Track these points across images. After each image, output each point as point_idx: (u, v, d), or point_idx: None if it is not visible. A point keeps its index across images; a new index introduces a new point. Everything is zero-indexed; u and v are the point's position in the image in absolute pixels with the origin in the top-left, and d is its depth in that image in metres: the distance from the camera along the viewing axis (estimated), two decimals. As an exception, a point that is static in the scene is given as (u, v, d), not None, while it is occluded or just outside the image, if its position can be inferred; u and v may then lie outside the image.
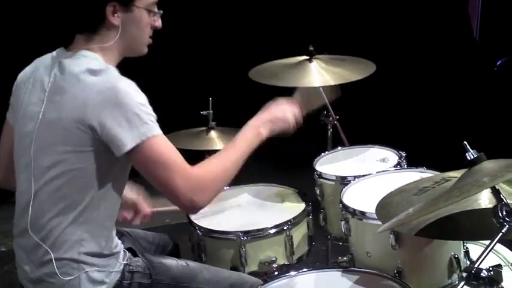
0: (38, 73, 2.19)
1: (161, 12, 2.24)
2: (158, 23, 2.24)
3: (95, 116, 2.01)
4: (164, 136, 2.09)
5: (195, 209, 2.16)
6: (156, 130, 2.05)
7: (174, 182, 2.06)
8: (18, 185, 2.20)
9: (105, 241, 2.16)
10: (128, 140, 2.00)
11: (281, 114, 2.38)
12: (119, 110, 2.00)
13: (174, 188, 2.07)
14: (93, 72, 2.06)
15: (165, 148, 2.07)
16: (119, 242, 2.25)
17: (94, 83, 2.04)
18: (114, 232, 2.21)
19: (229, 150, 2.27)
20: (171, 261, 2.33)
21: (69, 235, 2.10)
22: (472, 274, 1.56)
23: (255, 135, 2.30)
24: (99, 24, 2.13)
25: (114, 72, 2.09)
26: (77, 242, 2.10)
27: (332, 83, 3.14)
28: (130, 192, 2.52)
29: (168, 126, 3.35)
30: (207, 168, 2.18)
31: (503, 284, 1.64)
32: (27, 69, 2.27)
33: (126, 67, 2.22)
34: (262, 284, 2.22)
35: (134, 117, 2.01)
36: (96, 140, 2.03)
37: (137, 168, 2.09)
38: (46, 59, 2.22)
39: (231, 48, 5.23)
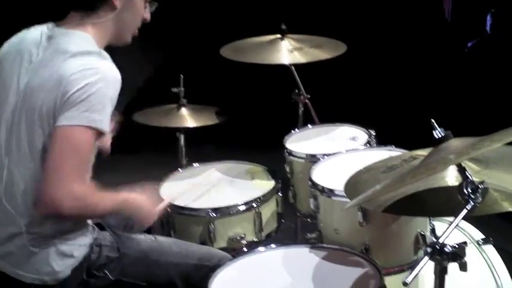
0: (24, 44, 2.16)
1: (157, 4, 2.24)
2: (147, 15, 2.25)
3: (66, 90, 2.00)
4: (96, 140, 2.08)
5: (49, 209, 2.04)
6: (106, 126, 2.05)
7: (67, 179, 2.00)
8: None
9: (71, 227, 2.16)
10: (76, 118, 2.00)
11: (146, 210, 2.30)
12: (89, 91, 2.00)
13: (56, 180, 2.00)
14: (84, 53, 2.06)
15: (89, 146, 2.05)
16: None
17: (79, 61, 2.03)
18: None
19: (110, 199, 2.17)
20: (139, 236, 2.34)
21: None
22: (437, 249, 1.59)
23: (126, 206, 2.23)
24: (99, 3, 2.12)
25: (104, 60, 2.09)
26: (46, 218, 2.09)
27: (303, 61, 3.14)
28: None
29: (139, 103, 3.36)
30: (93, 197, 2.09)
31: (467, 260, 1.67)
32: (13, 40, 2.23)
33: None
34: (231, 259, 2.23)
35: (98, 106, 2.01)
36: (55, 113, 2.03)
37: (52, 142, 2.03)
38: (35, 31, 2.18)
39: (203, 25, 5.20)
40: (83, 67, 2.03)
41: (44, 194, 2.02)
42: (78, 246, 2.17)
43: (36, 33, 2.17)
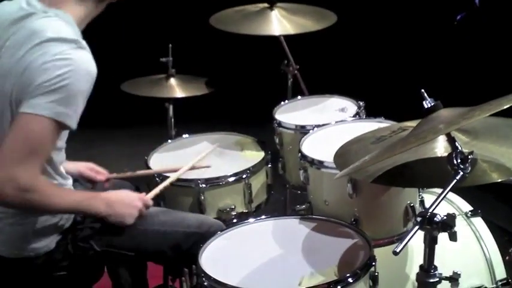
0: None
1: None
2: None
3: (36, 78, 1.94)
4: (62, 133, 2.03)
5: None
6: (73, 122, 1.98)
7: (10, 164, 1.94)
8: None
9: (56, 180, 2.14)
10: (43, 108, 1.93)
11: (127, 202, 2.24)
12: (59, 83, 1.93)
13: (3, 167, 1.94)
14: (59, 40, 1.97)
15: (50, 139, 1.98)
16: (68, 178, 2.23)
17: (53, 49, 1.95)
18: (63, 171, 2.19)
19: (73, 197, 2.13)
20: None
21: None
22: (426, 219, 1.59)
23: (95, 205, 2.14)
24: None
25: (80, 50, 1.99)
26: None
27: (292, 32, 3.12)
28: (80, 164, 2.49)
29: (127, 73, 3.33)
30: (44, 190, 2.02)
31: (457, 231, 1.67)
32: None
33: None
34: (221, 225, 2.22)
35: (70, 99, 1.94)
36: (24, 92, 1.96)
37: (13, 126, 1.97)
38: (12, 6, 2.09)
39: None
40: (55, 56, 1.94)
41: None
42: (59, 219, 2.15)
43: (12, 9, 2.07)
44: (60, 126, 1.97)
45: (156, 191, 2.45)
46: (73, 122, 1.98)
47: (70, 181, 2.25)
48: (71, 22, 2.04)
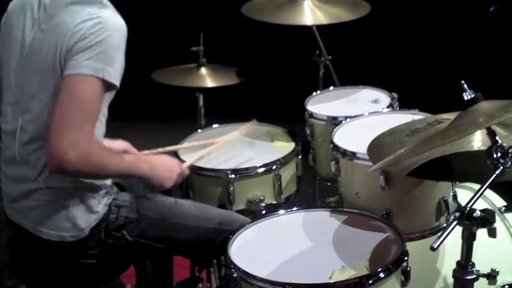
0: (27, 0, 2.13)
1: None
2: None
3: (70, 41, 1.98)
4: (108, 93, 2.04)
5: (58, 162, 1.98)
6: (115, 79, 2.00)
7: (71, 129, 1.96)
8: (5, 113, 2.17)
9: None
10: (84, 67, 1.96)
11: (168, 167, 2.31)
12: (93, 40, 1.97)
13: (65, 132, 1.96)
14: (85, 2, 2.02)
15: (99, 100, 2.01)
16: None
17: (81, 12, 2.00)
18: None
19: (123, 160, 2.17)
20: (159, 197, 2.32)
21: None
22: (465, 214, 1.55)
23: (141, 167, 2.20)
24: None
25: (106, 9, 2.04)
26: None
27: (324, 22, 3.08)
28: (116, 142, 2.49)
29: (158, 62, 3.32)
30: (100, 153, 2.05)
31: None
32: None
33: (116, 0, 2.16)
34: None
35: (106, 55, 1.97)
36: (62, 62, 2.01)
37: (61, 91, 2.00)
38: None
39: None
40: (85, 17, 1.99)
41: (48, 146, 1.98)
42: (98, 203, 2.15)
43: None
44: (103, 83, 1.99)
45: (191, 160, 2.50)
46: (114, 79, 2.00)
47: None
48: None
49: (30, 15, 2.10)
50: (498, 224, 2.35)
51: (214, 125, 2.96)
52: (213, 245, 2.25)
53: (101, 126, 2.15)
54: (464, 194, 2.38)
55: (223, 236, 2.22)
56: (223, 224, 2.29)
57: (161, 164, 2.28)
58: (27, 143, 2.09)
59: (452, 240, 1.73)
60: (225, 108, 3.56)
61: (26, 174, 2.11)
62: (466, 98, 1.77)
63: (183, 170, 2.38)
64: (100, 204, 2.15)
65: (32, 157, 2.09)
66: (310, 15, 3.10)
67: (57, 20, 2.03)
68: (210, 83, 3.10)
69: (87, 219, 2.13)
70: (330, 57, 3.36)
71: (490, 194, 2.53)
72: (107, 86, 2.01)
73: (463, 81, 1.78)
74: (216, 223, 2.29)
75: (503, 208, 2.46)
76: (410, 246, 1.97)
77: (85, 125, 1.98)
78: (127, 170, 2.17)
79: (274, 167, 2.55)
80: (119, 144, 2.51)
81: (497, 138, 1.68)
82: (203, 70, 3.15)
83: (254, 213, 2.50)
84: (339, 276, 1.86)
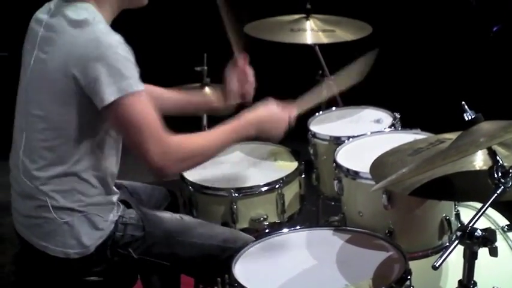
0: (33, 23, 2.17)
1: None
2: None
3: (78, 68, 1.98)
4: (145, 95, 2.04)
5: (162, 175, 2.07)
6: (137, 86, 2.01)
7: (146, 146, 2.01)
8: (14, 131, 2.19)
9: (102, 192, 2.16)
10: (107, 94, 1.97)
11: (275, 119, 2.34)
12: (101, 63, 1.97)
13: (145, 152, 2.02)
14: (77, 23, 2.02)
15: (143, 108, 2.02)
16: (116, 193, 2.24)
17: (77, 35, 2.01)
18: (112, 184, 2.20)
19: (216, 133, 2.22)
20: (165, 215, 2.33)
21: (62, 185, 2.10)
22: (467, 233, 1.56)
23: (244, 132, 2.26)
24: None
25: (100, 25, 2.04)
26: (70, 192, 2.10)
27: (327, 41, 3.11)
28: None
29: (161, 81, 3.33)
30: (185, 141, 2.12)
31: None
32: (33, 19, 2.21)
33: (120, 21, 2.18)
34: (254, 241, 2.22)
35: (116, 71, 1.97)
36: (80, 92, 2.01)
37: (112, 125, 2.07)
38: (43, 9, 2.17)
39: (228, 2, 5.17)
40: (80, 40, 1.99)
41: (151, 168, 2.04)
42: (103, 221, 2.16)
43: (42, 10, 2.16)
44: (132, 94, 1.99)
45: (305, 106, 2.51)
46: (137, 85, 2.01)
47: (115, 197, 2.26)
48: (88, 9, 2.06)
49: (32, 39, 2.12)
50: (501, 243, 2.39)
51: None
52: (217, 263, 2.26)
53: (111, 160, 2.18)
54: (467, 213, 2.39)
55: (227, 254, 2.22)
56: (227, 241, 2.30)
57: (267, 120, 2.30)
58: (31, 161, 2.11)
59: (455, 259, 1.74)
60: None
61: (30, 191, 2.13)
62: (466, 118, 1.78)
63: (291, 117, 2.38)
64: (106, 222, 2.16)
65: (36, 174, 2.11)
66: (312, 35, 3.14)
67: (57, 43, 2.04)
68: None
69: (92, 236, 2.14)
70: (332, 77, 3.38)
71: (493, 213, 2.54)
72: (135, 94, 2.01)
73: (463, 102, 1.79)
74: (220, 241, 2.30)
75: (506, 227, 2.46)
76: (413, 265, 1.98)
77: (156, 137, 2.03)
78: (230, 140, 2.22)
79: (277, 186, 2.56)
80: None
81: (498, 158, 1.70)
82: (207, 89, 3.16)
83: (258, 231, 2.51)
84: (342, 295, 1.87)
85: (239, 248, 2.16)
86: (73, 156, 2.08)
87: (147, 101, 2.04)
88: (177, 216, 2.36)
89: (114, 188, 2.22)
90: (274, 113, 2.34)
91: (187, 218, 2.38)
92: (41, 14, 2.15)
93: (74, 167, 2.09)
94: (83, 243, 2.13)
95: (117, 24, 2.15)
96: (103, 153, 2.13)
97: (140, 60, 2.07)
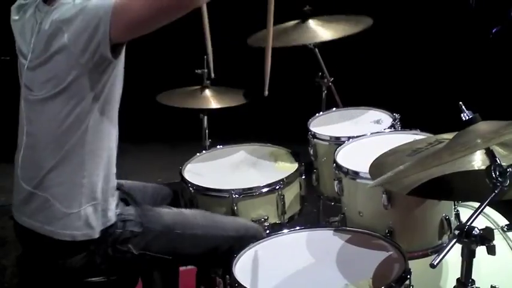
0: (25, 18, 2.16)
1: None
2: None
3: (76, 47, 1.99)
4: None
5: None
6: None
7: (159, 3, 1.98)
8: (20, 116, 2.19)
9: (103, 187, 2.15)
10: (101, 21, 1.96)
11: None
12: (82, 19, 1.99)
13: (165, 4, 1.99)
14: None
15: None
16: (116, 192, 2.24)
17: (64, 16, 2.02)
18: (113, 178, 2.20)
19: None
20: (164, 209, 2.34)
21: (63, 177, 2.10)
22: (464, 232, 1.58)
23: None
24: None
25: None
26: (74, 184, 2.10)
27: (325, 38, 3.08)
28: None
29: (162, 84, 3.36)
30: None
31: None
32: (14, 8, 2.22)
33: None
34: (258, 228, 2.24)
35: (92, 8, 1.98)
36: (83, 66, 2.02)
37: (129, 31, 2.03)
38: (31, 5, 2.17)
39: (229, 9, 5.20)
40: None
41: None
42: (107, 210, 2.16)
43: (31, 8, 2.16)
44: None
45: None
46: None
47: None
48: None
49: (29, 31, 2.12)
50: (500, 243, 2.40)
51: (218, 146, 3.00)
52: (219, 253, 2.27)
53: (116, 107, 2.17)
54: (467, 213, 2.39)
55: (229, 243, 2.25)
56: (229, 230, 2.31)
57: None
58: (32, 147, 2.11)
59: (454, 258, 1.75)
60: (229, 130, 3.59)
61: (33, 175, 2.12)
62: (464, 118, 1.79)
63: None
64: (110, 212, 2.16)
65: (38, 158, 2.11)
66: (311, 35, 3.13)
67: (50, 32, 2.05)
68: (214, 104, 3.13)
69: (98, 221, 2.13)
70: (332, 79, 3.39)
71: (492, 212, 2.55)
72: None
73: (460, 103, 1.81)
74: (221, 230, 2.31)
75: (506, 227, 2.47)
76: (413, 264, 1.99)
77: None
78: None
79: (277, 187, 2.57)
80: None
81: (496, 157, 1.71)
82: (207, 92, 3.18)
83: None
84: (342, 295, 1.88)
85: (241, 237, 2.16)
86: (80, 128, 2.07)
87: None
88: (175, 209, 2.37)
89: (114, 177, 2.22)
90: None
91: (186, 211, 2.39)
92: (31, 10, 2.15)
93: (80, 141, 2.08)
94: (90, 224, 2.12)
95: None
96: (101, 140, 2.13)
97: (141, 63, 2.09)
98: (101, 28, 1.97)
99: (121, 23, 1.98)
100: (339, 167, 2.43)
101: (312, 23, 3.14)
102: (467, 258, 1.65)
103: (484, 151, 1.75)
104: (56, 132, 2.07)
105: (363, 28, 3.09)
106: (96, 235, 2.14)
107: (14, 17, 2.21)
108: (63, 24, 2.02)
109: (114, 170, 2.21)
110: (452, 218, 2.32)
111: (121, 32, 2.00)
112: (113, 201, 2.19)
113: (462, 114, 1.80)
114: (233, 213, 2.52)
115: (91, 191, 2.12)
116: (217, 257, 2.28)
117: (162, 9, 2.00)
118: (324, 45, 3.22)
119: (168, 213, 2.32)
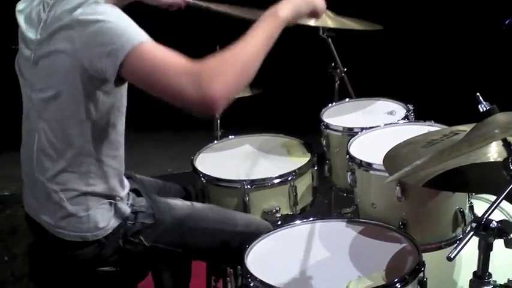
0: (33, 5, 2.11)
1: None
2: None
3: (84, 54, 1.91)
4: (154, 42, 1.91)
5: (210, 103, 1.85)
6: (143, 37, 1.89)
7: (176, 81, 1.83)
8: (26, 114, 2.16)
9: (113, 180, 2.14)
10: (119, 52, 1.85)
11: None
12: (101, 32, 1.88)
13: (178, 89, 1.83)
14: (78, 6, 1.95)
15: (158, 52, 1.88)
16: (127, 183, 2.23)
17: (78, 15, 1.93)
18: (122, 170, 2.19)
19: (246, 36, 1.94)
20: (176, 202, 2.32)
21: (77, 167, 2.07)
22: (482, 225, 1.55)
23: (271, 20, 1.98)
24: None
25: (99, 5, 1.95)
26: (81, 178, 2.08)
27: (332, 26, 3.03)
28: None
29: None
30: (213, 60, 1.88)
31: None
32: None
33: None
34: (268, 225, 2.22)
35: (117, 32, 1.87)
36: (86, 72, 1.94)
37: (135, 81, 1.92)
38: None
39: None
40: (80, 20, 1.91)
41: (196, 109, 1.86)
42: (119, 208, 2.14)
43: None
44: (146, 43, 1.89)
45: None
46: (146, 36, 1.90)
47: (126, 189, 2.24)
48: None
49: (36, 22, 2.07)
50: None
51: (230, 136, 2.98)
52: (229, 248, 2.26)
53: (121, 117, 2.13)
54: (480, 205, 2.38)
55: (239, 239, 2.23)
56: (240, 226, 2.30)
57: (298, 5, 2.06)
58: (44, 147, 2.08)
59: (469, 251, 1.73)
60: (240, 120, 3.58)
61: (42, 177, 2.10)
62: (481, 109, 1.77)
63: None
64: (121, 207, 2.15)
65: (47, 155, 2.08)
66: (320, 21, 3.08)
67: (60, 28, 1.97)
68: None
69: (108, 219, 2.12)
70: (345, 70, 3.37)
71: (506, 205, 2.53)
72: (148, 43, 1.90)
73: (478, 94, 1.78)
74: (233, 225, 2.30)
75: (520, 219, 2.45)
76: (426, 257, 1.97)
77: (182, 68, 1.85)
78: (265, 33, 1.96)
79: (289, 178, 2.56)
80: None
81: (513, 149, 1.69)
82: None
83: (270, 223, 2.51)
84: (355, 287, 1.86)
85: (253, 232, 2.15)
86: (85, 134, 2.04)
87: (158, 45, 1.90)
88: (188, 203, 2.35)
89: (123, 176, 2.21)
90: None
91: (198, 205, 2.37)
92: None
93: (87, 147, 2.05)
94: (99, 225, 2.10)
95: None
96: (110, 135, 2.10)
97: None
98: (112, 58, 1.87)
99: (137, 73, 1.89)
100: (352, 159, 2.41)
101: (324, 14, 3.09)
102: (485, 251, 1.62)
103: (502, 143, 1.73)
104: (60, 132, 2.04)
105: (370, 29, 3.05)
106: (108, 231, 2.13)
107: (20, 6, 2.18)
108: (75, 24, 1.94)
109: (123, 169, 2.19)
110: (467, 211, 2.30)
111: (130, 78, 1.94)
112: (124, 196, 2.17)
113: (480, 106, 1.77)
114: (244, 204, 2.50)
115: (101, 192, 2.11)
116: (227, 253, 2.27)
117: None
118: (337, 36, 3.20)
119: (181, 206, 2.30)
